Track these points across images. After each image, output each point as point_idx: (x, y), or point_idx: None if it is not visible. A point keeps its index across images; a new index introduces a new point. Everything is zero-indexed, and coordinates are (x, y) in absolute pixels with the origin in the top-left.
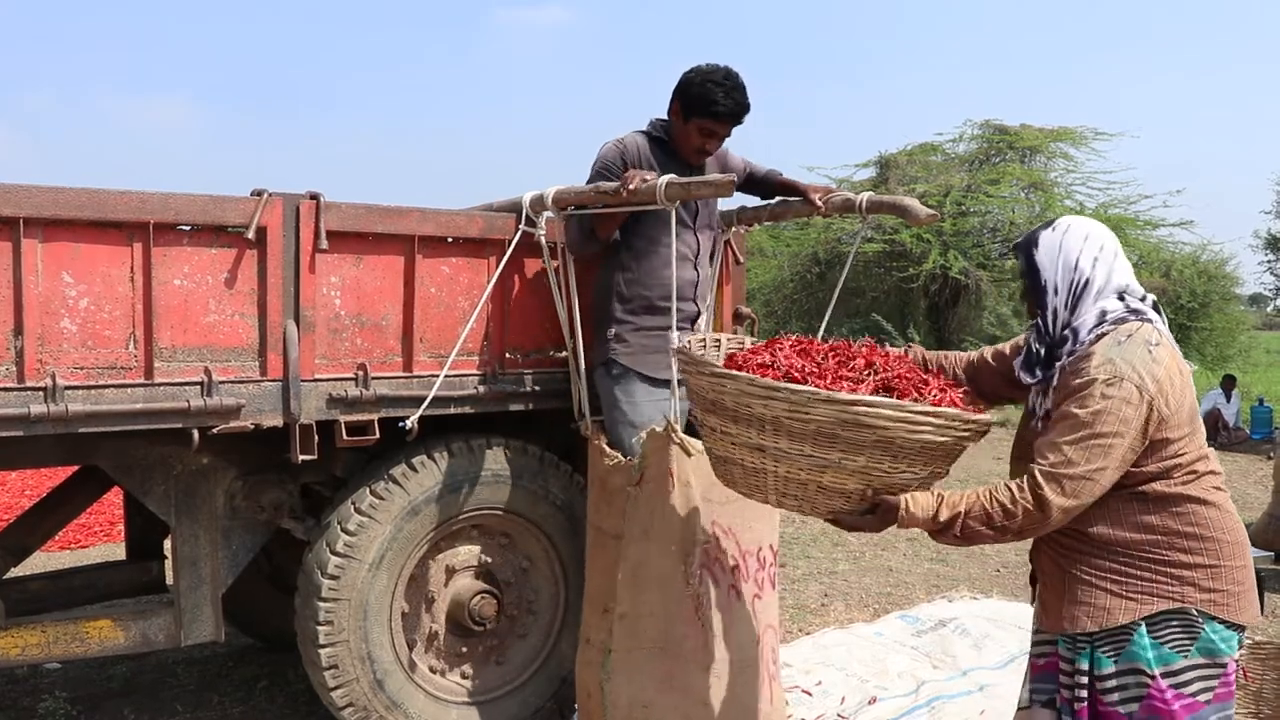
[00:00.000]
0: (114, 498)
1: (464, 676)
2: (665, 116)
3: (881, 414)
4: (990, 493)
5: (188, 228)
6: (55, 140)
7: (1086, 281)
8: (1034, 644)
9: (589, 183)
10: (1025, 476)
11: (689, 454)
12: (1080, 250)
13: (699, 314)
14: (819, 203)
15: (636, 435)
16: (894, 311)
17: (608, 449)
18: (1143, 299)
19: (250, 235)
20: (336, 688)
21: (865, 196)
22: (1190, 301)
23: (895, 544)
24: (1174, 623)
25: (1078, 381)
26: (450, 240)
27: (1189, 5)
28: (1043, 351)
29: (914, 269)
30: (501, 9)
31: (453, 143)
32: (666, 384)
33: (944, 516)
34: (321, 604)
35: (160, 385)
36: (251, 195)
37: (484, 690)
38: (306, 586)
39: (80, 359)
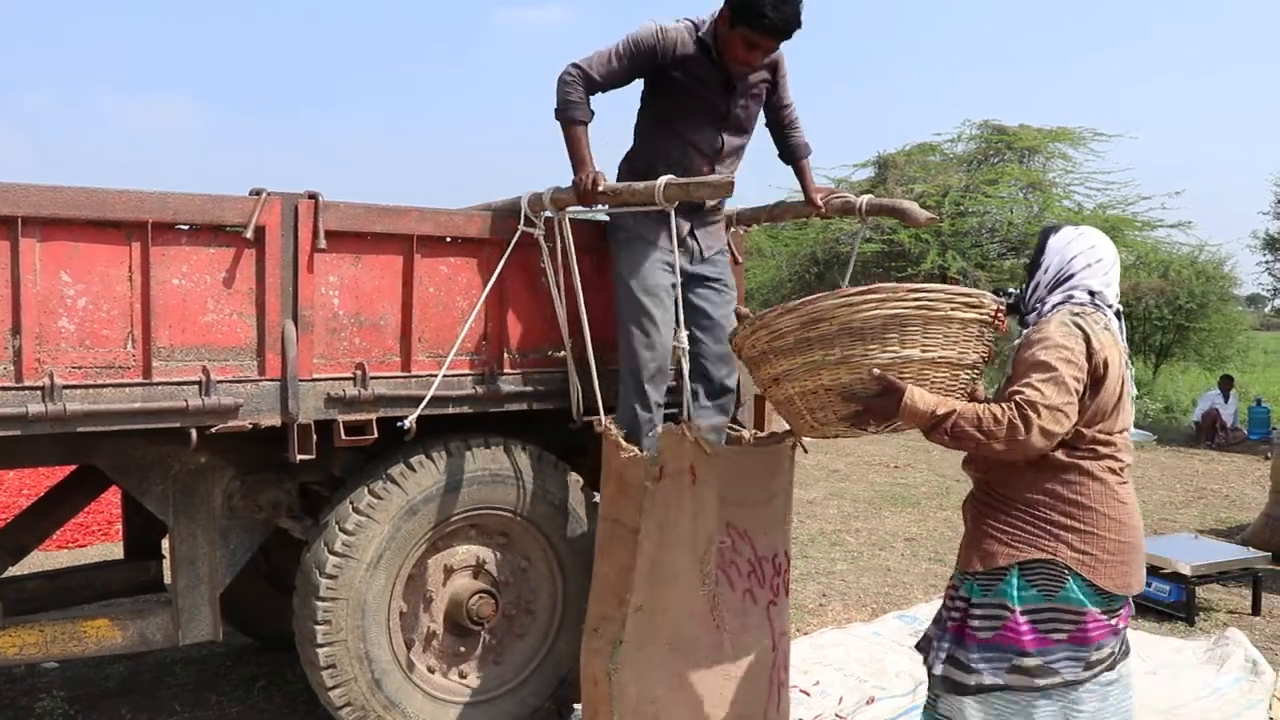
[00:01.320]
0: (112, 497)
1: (462, 676)
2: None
3: (823, 304)
4: (985, 405)
5: (186, 227)
6: (55, 140)
7: (1070, 275)
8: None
9: (614, 48)
10: (1009, 401)
11: (707, 452)
12: (1080, 251)
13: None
14: (820, 204)
15: (638, 297)
16: None
17: (624, 442)
18: (1109, 306)
19: (249, 235)
20: (334, 687)
21: (865, 199)
22: (1188, 302)
23: (893, 544)
24: (1044, 571)
25: (1038, 336)
26: (449, 240)
27: (1189, 5)
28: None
29: (912, 269)
30: (501, 9)
31: (453, 143)
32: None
33: (941, 410)
34: (319, 603)
35: (158, 385)
36: (250, 195)
37: (482, 690)
38: (304, 586)
39: (78, 358)
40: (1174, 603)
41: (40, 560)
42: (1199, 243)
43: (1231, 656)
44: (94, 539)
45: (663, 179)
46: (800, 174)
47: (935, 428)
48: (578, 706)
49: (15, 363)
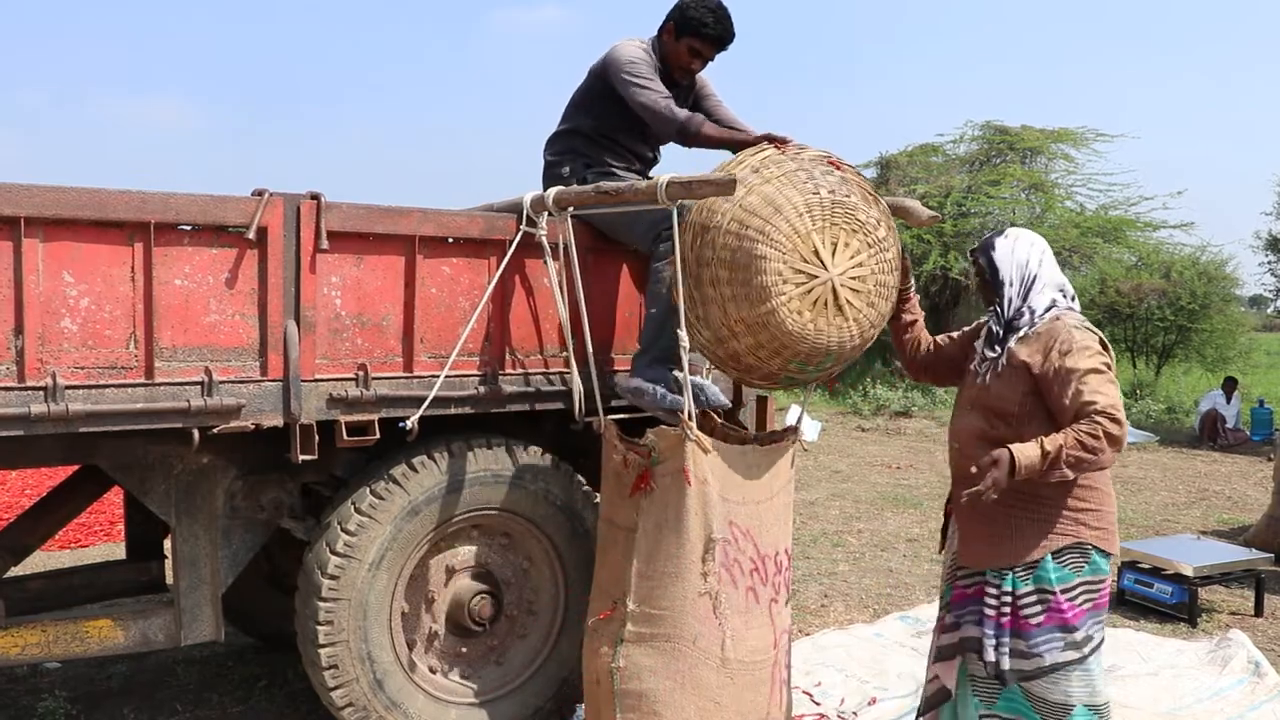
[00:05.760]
0: (114, 497)
1: (464, 677)
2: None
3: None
4: (1069, 433)
5: (188, 227)
6: (52, 139)
7: (1035, 276)
8: (960, 577)
9: (628, 75)
10: (1089, 418)
11: (705, 451)
12: (1029, 253)
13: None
14: None
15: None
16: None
17: (620, 443)
18: (1073, 298)
19: (251, 235)
20: (336, 687)
21: None
22: (1190, 303)
23: (895, 545)
24: (1072, 553)
25: (1067, 343)
26: (451, 240)
27: (1190, 5)
28: (1001, 331)
29: (914, 270)
30: (497, 9)
31: (453, 143)
32: None
33: (1049, 450)
34: (321, 604)
35: (161, 385)
36: (252, 195)
37: (484, 691)
38: (306, 586)
39: (81, 358)
40: (1176, 604)
41: (42, 560)
42: (1201, 243)
43: (1234, 658)
44: (96, 539)
45: (665, 176)
46: None
47: (1051, 468)
48: (580, 707)
49: (18, 363)
